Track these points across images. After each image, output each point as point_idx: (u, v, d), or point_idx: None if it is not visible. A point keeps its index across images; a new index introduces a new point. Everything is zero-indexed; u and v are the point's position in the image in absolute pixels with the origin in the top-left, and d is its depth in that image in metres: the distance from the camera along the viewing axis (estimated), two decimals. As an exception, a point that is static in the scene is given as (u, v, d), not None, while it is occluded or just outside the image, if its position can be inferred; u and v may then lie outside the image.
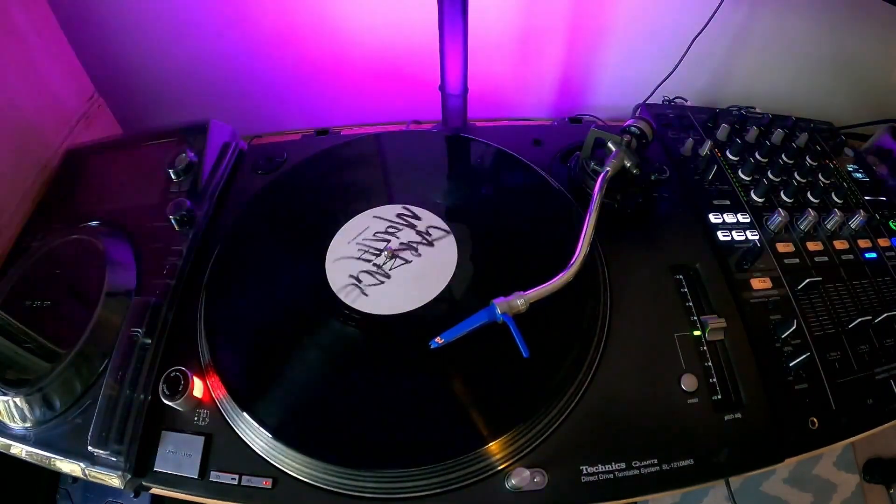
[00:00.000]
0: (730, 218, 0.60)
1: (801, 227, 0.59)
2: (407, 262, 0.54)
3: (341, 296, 0.52)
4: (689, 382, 0.47)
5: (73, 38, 0.74)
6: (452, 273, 0.52)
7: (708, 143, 0.67)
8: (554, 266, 0.47)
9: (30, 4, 0.67)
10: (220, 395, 0.47)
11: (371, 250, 0.55)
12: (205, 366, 0.49)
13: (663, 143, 0.68)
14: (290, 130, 0.75)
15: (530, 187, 0.62)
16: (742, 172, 0.64)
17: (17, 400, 0.47)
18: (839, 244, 0.59)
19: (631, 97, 0.81)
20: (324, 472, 0.43)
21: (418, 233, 0.56)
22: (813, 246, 0.58)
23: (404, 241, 0.56)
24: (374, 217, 0.58)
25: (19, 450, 0.48)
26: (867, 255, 0.59)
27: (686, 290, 0.54)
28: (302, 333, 0.50)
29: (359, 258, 0.55)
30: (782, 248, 0.58)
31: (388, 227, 0.57)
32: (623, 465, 0.43)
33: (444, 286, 0.51)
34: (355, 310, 0.50)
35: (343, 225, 0.58)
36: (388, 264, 0.54)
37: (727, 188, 0.63)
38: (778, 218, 0.58)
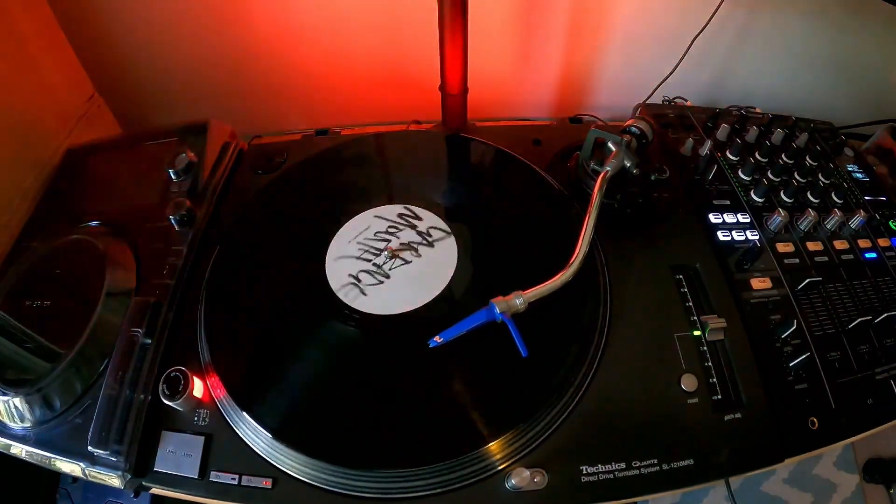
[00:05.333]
0: (730, 218, 0.60)
1: (801, 227, 0.59)
2: (407, 261, 0.54)
3: (341, 295, 0.52)
4: (689, 382, 0.47)
5: (73, 38, 0.74)
6: (452, 273, 0.52)
7: (708, 143, 0.67)
8: (553, 266, 0.47)
9: (30, 5, 0.67)
10: (220, 395, 0.47)
11: (371, 250, 0.55)
12: (205, 366, 0.49)
13: (663, 143, 0.68)
14: (290, 130, 0.74)
15: (530, 187, 0.62)
16: (742, 172, 0.64)
17: (17, 400, 0.47)
18: (839, 244, 0.59)
19: (631, 97, 0.81)
20: (324, 472, 0.43)
21: (418, 233, 0.56)
22: (813, 246, 0.58)
23: (404, 241, 0.56)
24: (374, 217, 0.58)
25: (19, 450, 0.48)
26: (867, 255, 0.59)
27: (686, 290, 0.54)
28: (302, 333, 0.50)
29: (358, 258, 0.55)
30: (782, 248, 0.58)
31: (388, 227, 0.57)
32: (623, 465, 0.43)
33: (444, 286, 0.52)
34: (355, 309, 0.50)
35: (343, 225, 0.58)
36: (387, 264, 0.54)
37: (727, 188, 0.63)
38: (778, 218, 0.58)
